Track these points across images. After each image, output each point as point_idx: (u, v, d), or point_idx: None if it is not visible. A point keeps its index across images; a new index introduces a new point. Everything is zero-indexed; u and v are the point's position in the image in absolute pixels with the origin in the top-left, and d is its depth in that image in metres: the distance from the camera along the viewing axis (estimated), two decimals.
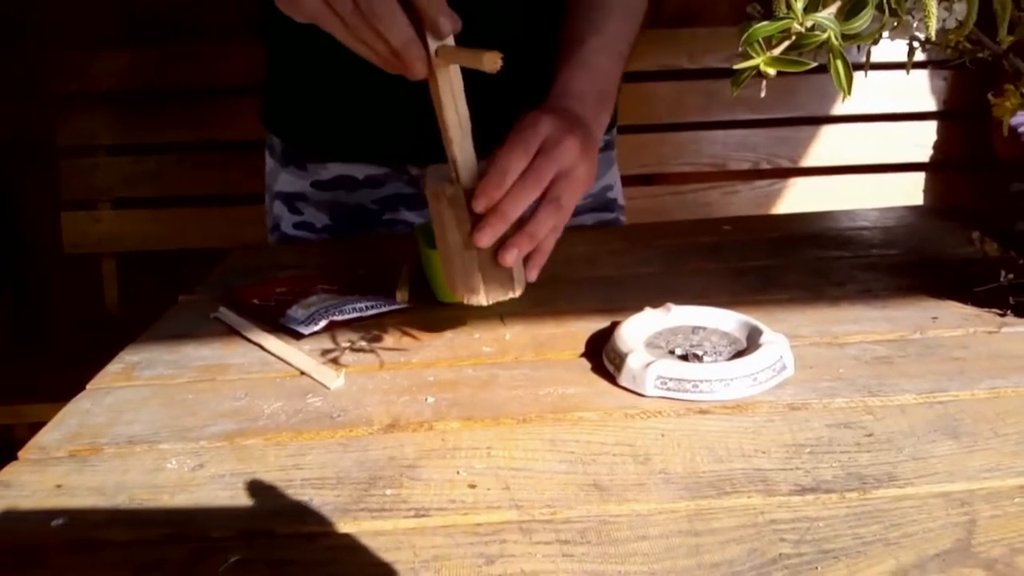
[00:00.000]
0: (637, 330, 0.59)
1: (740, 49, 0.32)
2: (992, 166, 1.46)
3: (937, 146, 1.60)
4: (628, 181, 1.67)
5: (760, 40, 0.31)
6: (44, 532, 0.42)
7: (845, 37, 0.31)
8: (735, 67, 0.33)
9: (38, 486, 0.46)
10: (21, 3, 1.66)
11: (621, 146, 1.64)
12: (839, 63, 0.32)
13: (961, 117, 1.60)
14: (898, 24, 0.34)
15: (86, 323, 1.66)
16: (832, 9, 0.30)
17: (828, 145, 1.61)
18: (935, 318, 0.63)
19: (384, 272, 0.79)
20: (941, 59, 1.08)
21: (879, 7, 0.32)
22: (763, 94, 0.33)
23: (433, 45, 0.54)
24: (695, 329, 0.60)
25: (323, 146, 0.92)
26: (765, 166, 1.60)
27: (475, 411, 0.52)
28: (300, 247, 0.94)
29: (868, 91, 1.57)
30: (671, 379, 0.52)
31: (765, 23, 0.31)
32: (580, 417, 0.51)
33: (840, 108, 1.59)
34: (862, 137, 1.61)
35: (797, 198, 1.63)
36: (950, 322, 0.62)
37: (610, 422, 0.50)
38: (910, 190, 1.62)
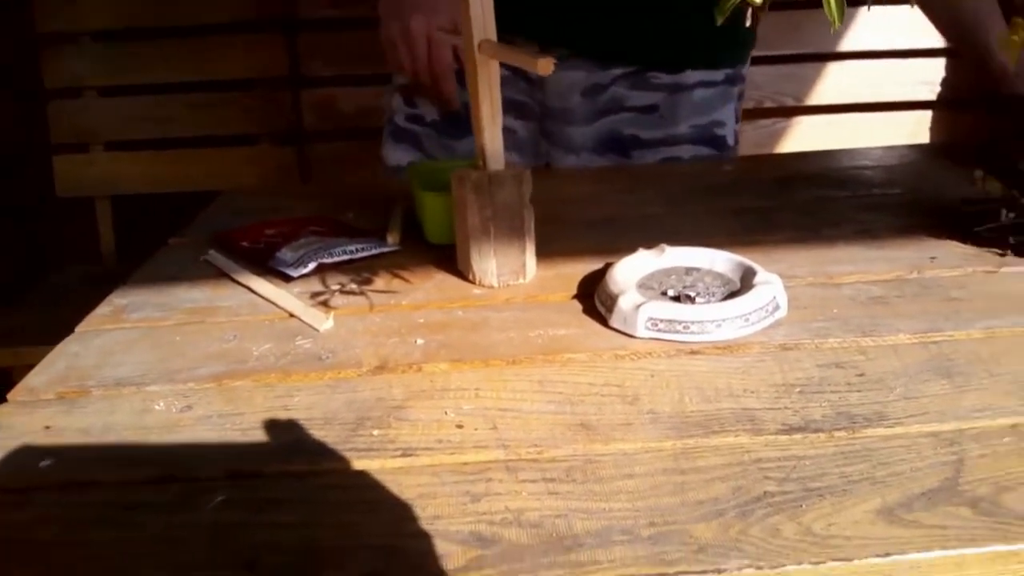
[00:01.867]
0: (630, 271, 0.58)
1: None
2: (999, 103, 1.43)
3: (945, 82, 1.56)
4: None
5: None
6: (32, 473, 0.42)
7: None
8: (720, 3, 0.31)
9: (26, 428, 0.46)
10: None
11: None
12: None
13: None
14: None
15: (82, 266, 1.66)
16: None
17: (833, 82, 1.57)
18: (933, 258, 0.62)
19: (374, 214, 0.78)
20: None
21: None
22: (748, 23, 0.32)
23: (477, 38, 0.57)
24: (689, 270, 0.59)
25: None
26: (769, 104, 1.56)
27: (464, 353, 0.52)
28: (291, 190, 0.93)
29: (874, 27, 1.52)
30: (662, 320, 0.51)
31: None
32: (569, 358, 0.51)
33: (846, 45, 1.55)
34: (868, 74, 1.57)
35: (802, 137, 1.60)
36: (948, 262, 0.61)
37: (599, 363, 0.50)
38: (917, 128, 1.59)
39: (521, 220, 0.61)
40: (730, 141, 1.00)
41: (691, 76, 0.96)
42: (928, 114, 1.58)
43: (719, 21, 0.33)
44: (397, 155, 0.99)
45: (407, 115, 0.99)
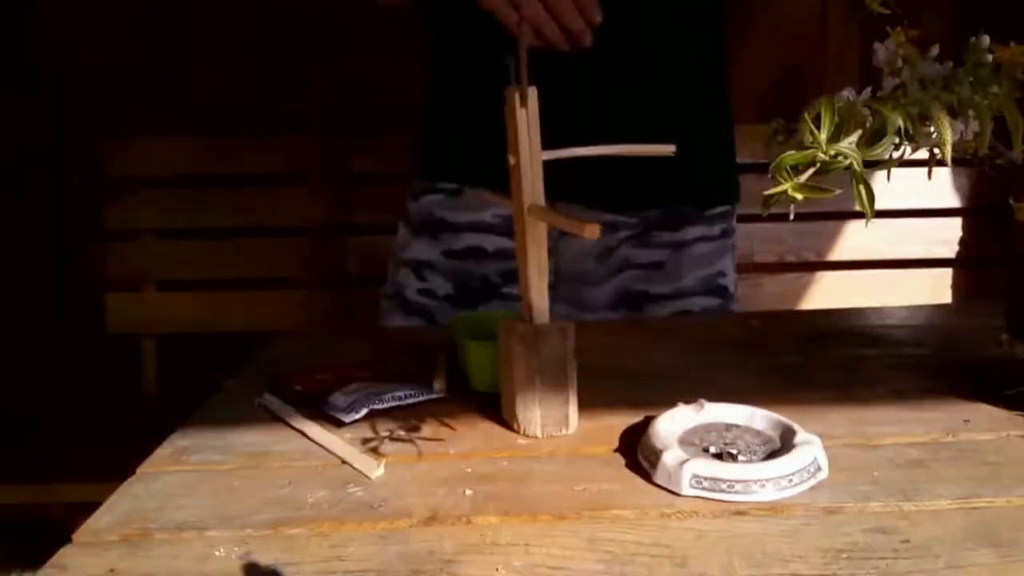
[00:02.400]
0: (671, 426, 0.60)
1: (769, 175, 0.34)
2: (1018, 263, 1.47)
3: (963, 242, 1.62)
4: None
5: (788, 168, 0.34)
6: None
7: (867, 163, 0.33)
8: (766, 193, 0.35)
9: (92, 570, 0.47)
10: (83, 94, 1.77)
11: None
12: (862, 188, 0.34)
13: (986, 214, 1.62)
14: (917, 147, 0.37)
15: (122, 403, 1.70)
16: (854, 137, 0.33)
17: (854, 239, 1.63)
18: (967, 421, 0.64)
19: (420, 360, 0.81)
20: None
21: (898, 134, 0.34)
22: (792, 216, 0.36)
23: (527, 202, 0.62)
24: (728, 427, 0.61)
25: (478, 178, 0.97)
26: (791, 259, 1.62)
27: (513, 506, 0.53)
28: (338, 335, 0.97)
29: (892, 188, 1.60)
30: (706, 478, 0.53)
31: (792, 152, 0.33)
32: (616, 515, 0.52)
33: None
34: (887, 232, 1.63)
35: (823, 292, 1.64)
36: (982, 425, 0.63)
37: (646, 521, 0.51)
38: (937, 285, 1.63)
39: (565, 373, 0.64)
40: (731, 289, 1.07)
41: (690, 232, 1.03)
42: (946, 272, 1.63)
43: (764, 213, 0.37)
44: (406, 328, 1.02)
45: (419, 289, 1.02)
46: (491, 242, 0.99)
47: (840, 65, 1.72)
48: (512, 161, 0.62)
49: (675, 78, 0.97)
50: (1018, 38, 0.60)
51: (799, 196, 0.34)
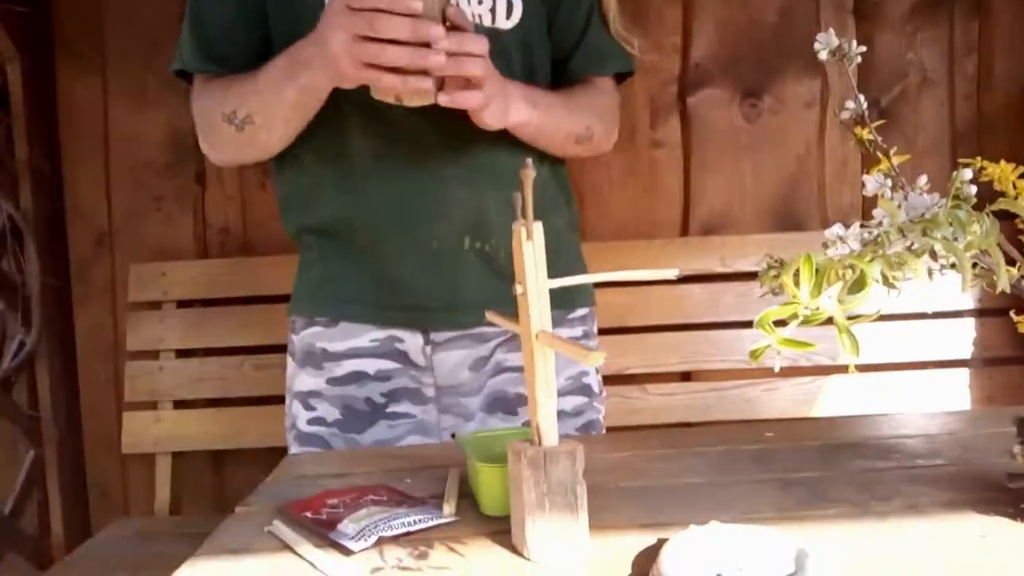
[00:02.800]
0: (683, 551, 0.59)
1: (755, 328, 0.36)
2: None
3: (977, 342, 1.61)
4: (666, 377, 1.71)
5: (770, 322, 0.36)
6: None
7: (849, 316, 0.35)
8: (752, 348, 0.37)
9: None
10: (111, 222, 1.85)
11: (658, 345, 1.69)
12: (845, 337, 0.36)
13: (999, 314, 1.62)
14: (899, 294, 0.38)
15: (135, 522, 1.68)
16: (835, 289, 0.35)
17: (867, 342, 1.63)
18: (983, 536, 0.62)
19: (429, 480, 0.81)
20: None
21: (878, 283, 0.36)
22: (777, 369, 0.37)
23: (535, 329, 0.64)
24: (742, 550, 0.60)
25: (348, 313, 1.04)
26: (804, 364, 1.62)
27: None
28: (347, 454, 0.97)
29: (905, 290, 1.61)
30: None
31: (775, 308, 0.35)
32: None
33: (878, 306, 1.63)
34: (900, 334, 1.63)
35: (838, 395, 1.63)
36: (999, 540, 0.62)
37: None
38: (953, 386, 1.61)
39: (575, 495, 0.64)
40: (596, 388, 1.13)
41: (560, 333, 1.03)
42: (966, 371, 1.62)
43: (754, 363, 0.38)
44: None
45: (308, 419, 1.04)
46: (370, 365, 1.03)
47: (841, 177, 1.77)
48: (520, 290, 0.64)
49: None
50: (1013, 150, 0.63)
51: (783, 350, 0.35)
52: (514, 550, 0.66)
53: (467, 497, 0.76)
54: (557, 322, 1.06)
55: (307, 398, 1.04)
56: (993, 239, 0.46)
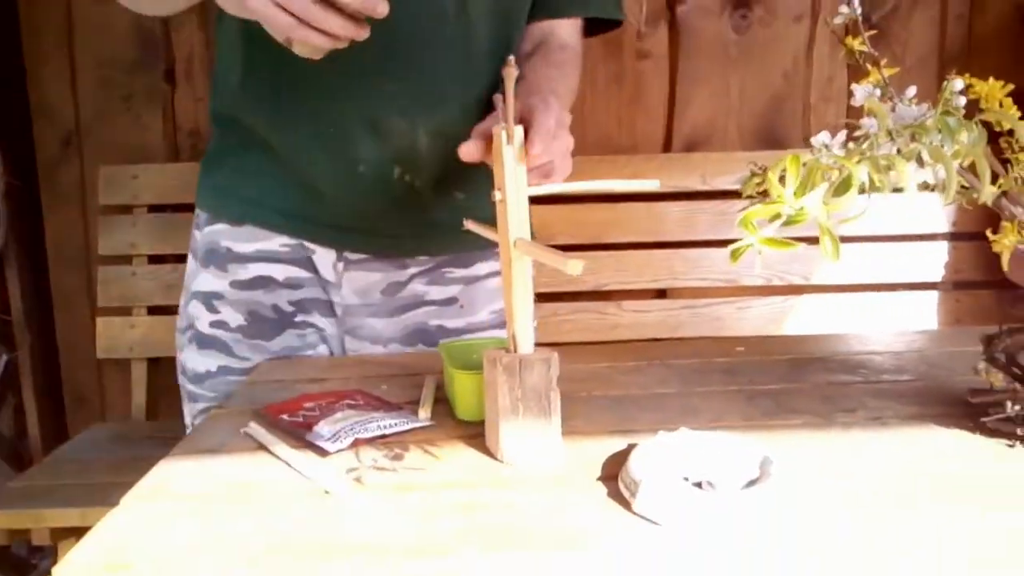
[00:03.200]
0: (651, 455, 0.61)
1: (737, 227, 0.36)
2: (1002, 288, 1.49)
3: (948, 266, 1.64)
4: (642, 294, 1.72)
5: (753, 222, 0.35)
6: None
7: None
8: (731, 248, 0.36)
9: None
10: (78, 122, 1.79)
11: (634, 262, 1.69)
12: (827, 238, 0.35)
13: (972, 238, 1.64)
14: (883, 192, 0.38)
15: (112, 426, 1.69)
16: (820, 190, 0.34)
17: (840, 263, 1.65)
18: (944, 448, 0.64)
19: (406, 387, 0.82)
20: None
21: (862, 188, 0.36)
22: (757, 270, 0.37)
23: (512, 236, 0.63)
24: (708, 454, 0.62)
25: (257, 216, 0.97)
26: (777, 283, 1.64)
27: (494, 538, 0.54)
28: (326, 361, 0.97)
29: (879, 213, 1.62)
30: (685, 507, 0.54)
31: (758, 207, 0.35)
32: (597, 547, 0.52)
33: (851, 229, 1.64)
34: (873, 256, 1.65)
35: (809, 315, 1.65)
36: (958, 452, 0.64)
37: (627, 553, 0.51)
38: (923, 308, 1.65)
39: (549, 402, 0.65)
40: None
41: (481, 268, 1.03)
42: (935, 294, 1.65)
43: (733, 263, 0.38)
44: (203, 361, 0.98)
45: (211, 321, 0.98)
46: (279, 271, 0.97)
47: (826, 96, 1.75)
48: (499, 197, 0.63)
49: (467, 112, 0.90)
50: (1000, 74, 0.62)
51: (764, 250, 0.35)
52: (488, 453, 0.67)
53: (443, 403, 0.77)
54: (484, 254, 1.02)
55: (210, 299, 0.98)
56: (980, 149, 0.46)
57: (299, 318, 0.98)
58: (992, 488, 0.58)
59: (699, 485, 0.57)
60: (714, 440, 0.63)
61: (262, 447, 0.70)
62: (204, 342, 0.98)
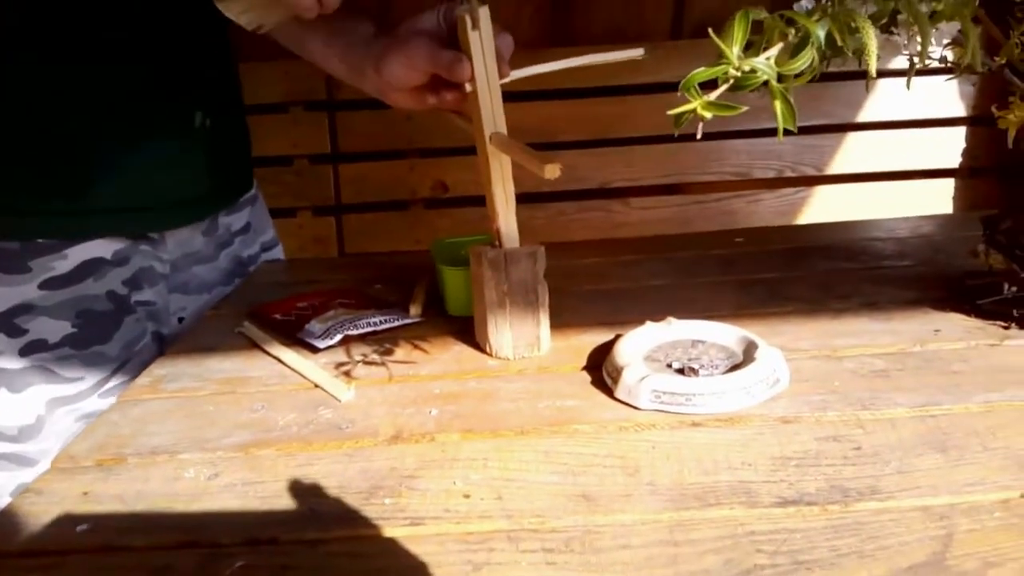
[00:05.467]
0: (636, 344, 0.61)
1: (679, 93, 0.33)
2: (1003, 173, 1.44)
3: (966, 152, 1.58)
4: (652, 191, 1.69)
5: (696, 85, 0.33)
6: (69, 537, 0.45)
7: (783, 77, 0.32)
8: (670, 113, 0.34)
9: (66, 493, 0.49)
10: None
11: (643, 155, 1.65)
12: (779, 103, 0.33)
13: (990, 122, 1.57)
14: (844, 61, 0.35)
15: None
16: (774, 51, 0.32)
17: (854, 152, 1.60)
18: (937, 331, 0.63)
19: (400, 286, 0.81)
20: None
21: (827, 46, 0.33)
22: (699, 136, 0.35)
23: (488, 130, 0.61)
24: (694, 343, 0.62)
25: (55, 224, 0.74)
26: (790, 174, 1.60)
27: (476, 423, 0.55)
28: (320, 262, 0.97)
29: (895, 97, 1.55)
30: (665, 393, 0.54)
31: (702, 69, 0.32)
32: (575, 429, 0.53)
33: (867, 115, 1.58)
34: (889, 144, 1.59)
35: (823, 206, 1.62)
36: (952, 335, 0.63)
37: (604, 435, 0.52)
38: (939, 197, 1.60)
39: (536, 295, 0.64)
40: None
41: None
42: (951, 182, 1.60)
43: (676, 132, 0.36)
44: (20, 407, 0.74)
45: (20, 348, 0.73)
46: (106, 247, 0.77)
47: None
48: (469, 88, 0.61)
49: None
50: None
51: (708, 114, 0.33)
52: (477, 347, 0.67)
53: (435, 301, 0.77)
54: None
55: (8, 320, 0.72)
56: (970, 11, 0.43)
57: (135, 298, 0.80)
58: (984, 369, 0.57)
59: (682, 371, 0.57)
60: (701, 328, 0.63)
61: (255, 345, 0.71)
62: (15, 380, 0.72)
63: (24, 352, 0.72)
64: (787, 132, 0.35)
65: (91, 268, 0.76)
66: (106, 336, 0.77)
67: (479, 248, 0.64)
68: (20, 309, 0.72)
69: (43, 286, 0.73)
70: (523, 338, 0.64)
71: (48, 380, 0.74)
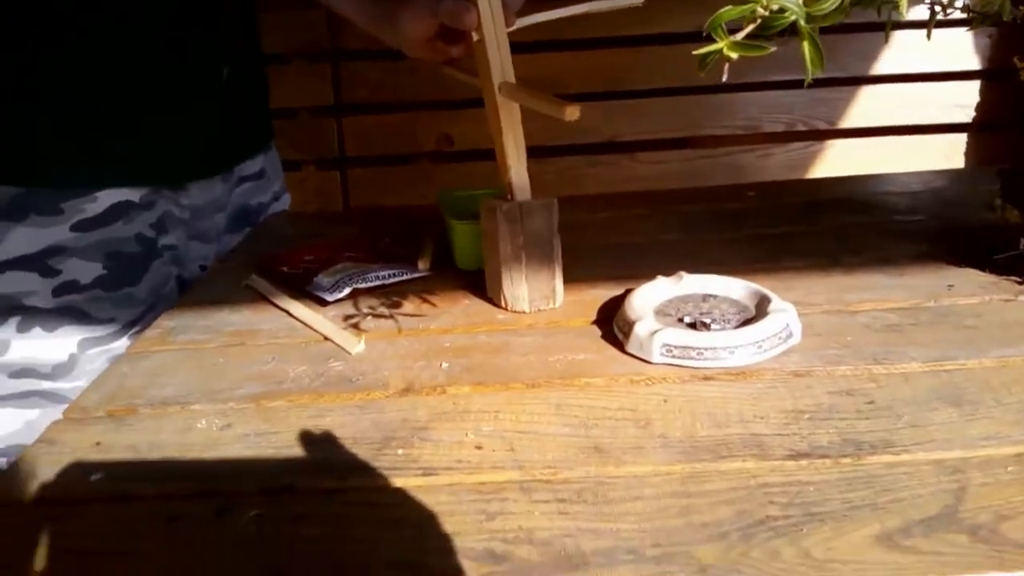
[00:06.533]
0: (648, 298, 0.60)
1: (704, 33, 0.32)
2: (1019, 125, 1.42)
3: (980, 106, 1.55)
4: (661, 145, 1.67)
5: (723, 25, 0.32)
6: (83, 486, 0.45)
7: (811, 18, 0.31)
8: (695, 53, 0.33)
9: (78, 443, 0.49)
10: None
11: (652, 109, 1.63)
12: (807, 44, 0.32)
13: (1005, 76, 1.54)
14: (870, 5, 0.34)
15: None
16: None
17: (866, 106, 1.57)
18: (951, 286, 0.63)
19: (408, 239, 0.81)
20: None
21: None
22: (724, 78, 0.34)
23: (496, 80, 0.59)
24: (706, 297, 0.61)
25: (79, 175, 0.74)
26: (801, 128, 1.57)
27: (487, 376, 0.54)
28: (329, 217, 0.97)
29: (909, 50, 1.52)
30: (677, 347, 0.53)
31: (729, 8, 0.31)
32: (587, 383, 0.53)
33: (879, 68, 1.55)
34: (902, 98, 1.56)
35: (834, 161, 1.60)
36: (966, 290, 0.62)
37: (615, 388, 0.52)
38: (951, 152, 1.58)
39: (551, 248, 0.63)
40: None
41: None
42: (964, 137, 1.57)
43: (701, 73, 0.35)
44: (54, 346, 0.74)
45: (54, 288, 0.73)
46: (133, 192, 0.77)
47: None
48: (476, 37, 0.59)
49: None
50: None
51: (734, 55, 0.32)
52: (486, 300, 0.67)
53: (444, 256, 0.76)
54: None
55: (42, 260, 0.72)
56: None
57: (162, 242, 0.80)
58: (998, 325, 0.57)
59: (694, 326, 0.57)
60: (712, 283, 0.62)
61: (263, 298, 0.70)
62: (48, 320, 0.73)
63: (57, 293, 0.73)
64: (812, 83, 0.34)
65: (120, 211, 0.76)
66: (135, 278, 0.77)
67: (493, 202, 0.64)
68: (53, 250, 0.72)
69: (75, 228, 0.73)
70: (539, 291, 0.64)
71: (80, 321, 0.74)
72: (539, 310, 0.64)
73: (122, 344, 0.75)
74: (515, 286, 0.64)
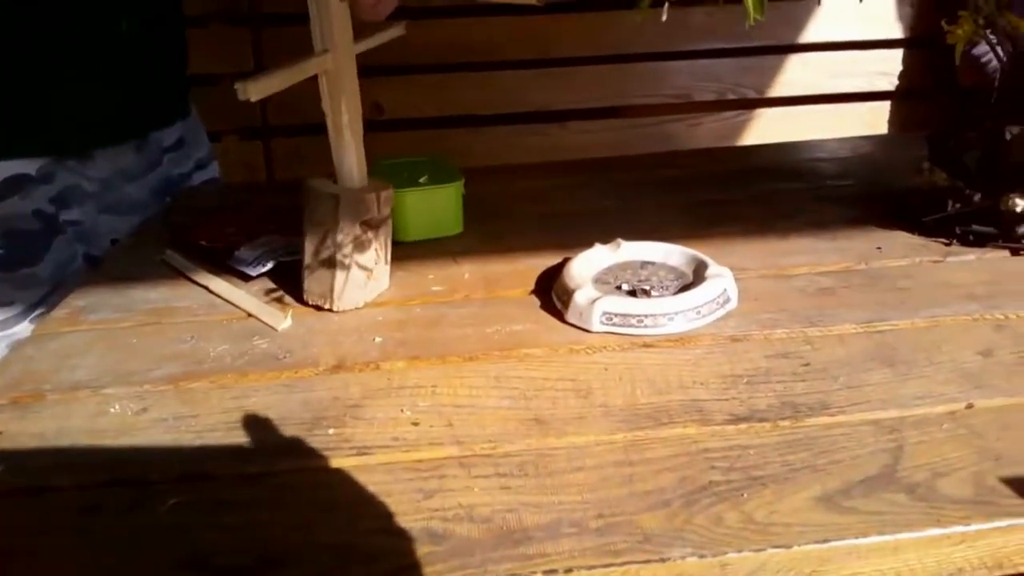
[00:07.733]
0: (586, 266, 0.59)
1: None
2: (955, 93, 1.46)
3: (903, 74, 1.59)
4: (590, 114, 1.66)
5: None
6: None
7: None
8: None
9: None
10: None
11: (582, 77, 1.61)
12: None
13: (927, 44, 1.58)
14: None
15: None
16: None
17: (794, 74, 1.59)
18: (880, 248, 0.64)
19: None
20: None
21: None
22: (664, 18, 0.32)
23: (318, 47, 0.57)
24: (644, 264, 0.60)
25: None
26: (730, 97, 1.58)
27: (422, 350, 0.52)
28: (251, 186, 0.92)
29: (834, 19, 1.55)
30: (616, 315, 0.52)
31: None
32: (526, 354, 0.51)
33: (806, 37, 1.57)
34: (827, 66, 1.59)
35: (763, 129, 1.62)
36: (896, 252, 0.63)
37: (555, 358, 0.51)
38: (874, 119, 1.62)
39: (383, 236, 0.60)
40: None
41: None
42: (884, 105, 1.62)
43: (639, 19, 0.33)
44: None
45: None
46: (30, 164, 0.72)
47: None
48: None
49: None
50: None
51: None
52: (418, 272, 0.64)
53: None
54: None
55: None
56: None
57: (63, 216, 0.75)
58: (928, 285, 0.58)
59: (633, 293, 0.56)
60: (650, 250, 0.62)
61: (181, 274, 0.66)
62: None
63: None
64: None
65: (15, 185, 0.70)
66: (36, 258, 0.72)
67: (322, 184, 0.60)
68: None
69: None
70: (357, 287, 0.59)
71: None
72: (319, 308, 0.59)
73: (24, 328, 0.70)
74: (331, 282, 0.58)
